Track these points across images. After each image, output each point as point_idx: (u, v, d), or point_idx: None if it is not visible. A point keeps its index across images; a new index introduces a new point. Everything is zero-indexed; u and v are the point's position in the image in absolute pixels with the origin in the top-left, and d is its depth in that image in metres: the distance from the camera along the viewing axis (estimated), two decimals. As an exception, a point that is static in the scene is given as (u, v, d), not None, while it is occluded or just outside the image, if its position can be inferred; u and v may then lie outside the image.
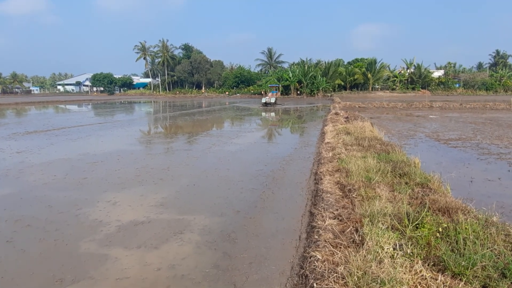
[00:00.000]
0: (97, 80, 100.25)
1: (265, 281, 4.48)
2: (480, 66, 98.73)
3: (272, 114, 33.91)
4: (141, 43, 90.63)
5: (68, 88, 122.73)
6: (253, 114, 33.55)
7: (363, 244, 4.57)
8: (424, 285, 3.80)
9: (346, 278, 3.89)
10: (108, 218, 6.63)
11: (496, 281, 3.79)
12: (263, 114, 33.83)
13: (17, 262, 5.04)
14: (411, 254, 4.35)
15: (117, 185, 8.84)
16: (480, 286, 3.80)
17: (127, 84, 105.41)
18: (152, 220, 6.54)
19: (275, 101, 44.39)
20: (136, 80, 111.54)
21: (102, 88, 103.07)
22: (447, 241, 4.65)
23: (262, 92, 70.76)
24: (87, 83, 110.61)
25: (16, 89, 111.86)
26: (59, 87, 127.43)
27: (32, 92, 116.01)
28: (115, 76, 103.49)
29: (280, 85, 72.37)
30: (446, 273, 4.01)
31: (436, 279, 3.87)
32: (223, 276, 4.61)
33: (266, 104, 43.27)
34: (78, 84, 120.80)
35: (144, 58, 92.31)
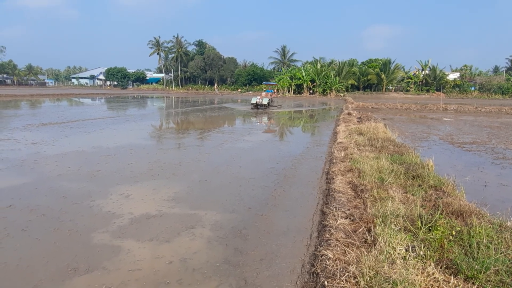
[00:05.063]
0: (110, 74, 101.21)
1: (276, 278, 4.50)
2: (496, 69, 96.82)
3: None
4: (155, 38, 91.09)
5: (82, 81, 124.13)
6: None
7: (375, 245, 4.56)
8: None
9: (358, 277, 3.88)
10: (121, 210, 6.72)
11: (509, 286, 3.76)
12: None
13: (32, 251, 5.15)
14: (424, 256, 4.33)
15: (130, 178, 8.94)
16: (494, 291, 3.76)
17: (140, 79, 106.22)
18: (164, 214, 6.61)
19: (268, 102, 34.33)
20: (149, 75, 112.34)
21: (115, 82, 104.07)
22: (460, 245, 4.60)
23: (275, 90, 70.36)
24: (101, 77, 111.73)
25: (31, 81, 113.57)
26: (73, 80, 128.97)
27: (47, 84, 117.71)
28: (128, 70, 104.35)
29: (293, 84, 72.21)
30: (459, 276, 3.98)
31: (449, 282, 3.85)
32: (234, 271, 4.64)
33: (257, 106, 33.80)
34: (92, 77, 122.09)
35: (158, 54, 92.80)
